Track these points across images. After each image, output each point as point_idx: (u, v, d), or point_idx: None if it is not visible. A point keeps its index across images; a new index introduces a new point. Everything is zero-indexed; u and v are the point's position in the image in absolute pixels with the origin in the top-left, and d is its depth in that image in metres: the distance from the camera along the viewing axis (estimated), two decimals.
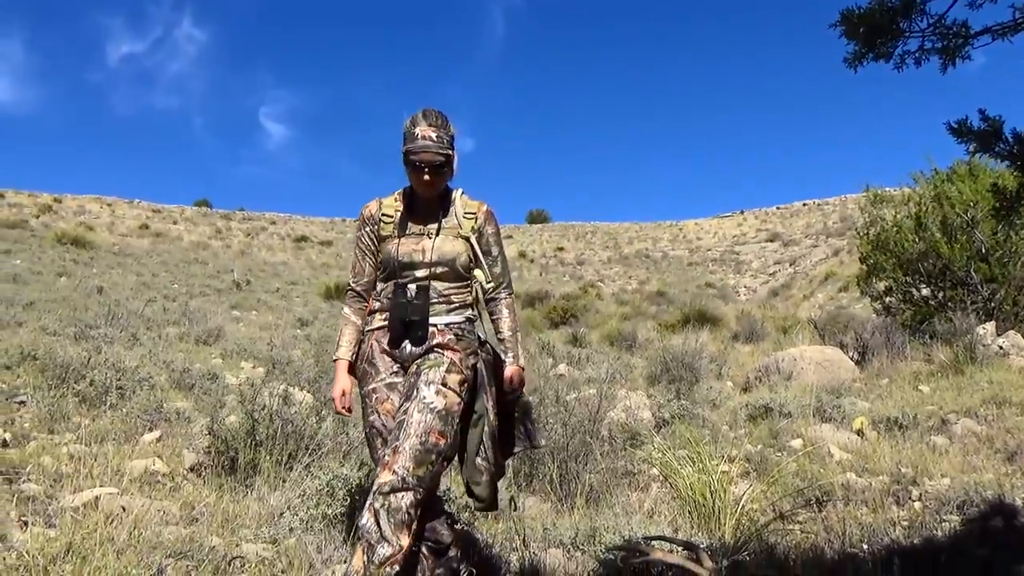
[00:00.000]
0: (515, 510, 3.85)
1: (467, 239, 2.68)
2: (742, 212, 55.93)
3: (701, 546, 2.08)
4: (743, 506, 4.43)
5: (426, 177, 2.58)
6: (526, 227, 58.96)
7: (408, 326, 2.60)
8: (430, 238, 2.64)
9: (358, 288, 2.74)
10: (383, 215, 2.68)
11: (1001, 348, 8.42)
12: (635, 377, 9.37)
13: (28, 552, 2.45)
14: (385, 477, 2.33)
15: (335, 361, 2.74)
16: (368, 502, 2.33)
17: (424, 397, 2.46)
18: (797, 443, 6.08)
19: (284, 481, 3.88)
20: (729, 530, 3.95)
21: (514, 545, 3.42)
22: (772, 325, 16.08)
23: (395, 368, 2.62)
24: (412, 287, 2.63)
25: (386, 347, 2.63)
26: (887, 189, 15.03)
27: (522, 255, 45.31)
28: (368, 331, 2.69)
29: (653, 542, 2.14)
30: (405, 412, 2.45)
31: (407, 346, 2.61)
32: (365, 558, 2.29)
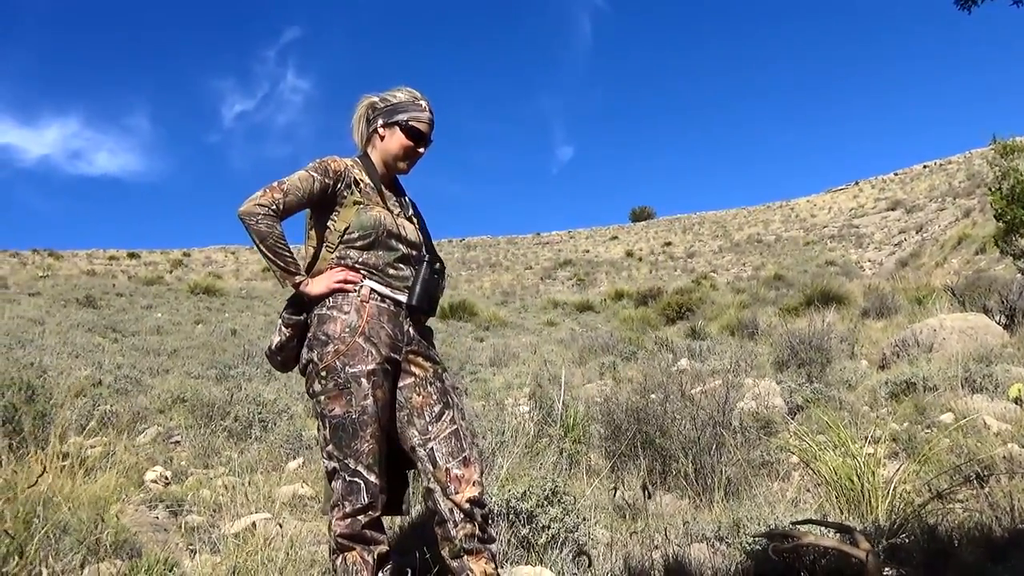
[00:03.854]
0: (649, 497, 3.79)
1: (424, 230, 2.60)
2: (857, 183, 53.21)
3: (857, 528, 1.97)
4: (895, 488, 4.19)
5: (420, 150, 2.51)
6: (630, 226, 58.31)
7: (433, 304, 2.45)
8: (402, 217, 2.52)
9: (280, 214, 2.33)
10: (356, 179, 2.44)
11: None
12: (761, 364, 9.06)
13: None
14: (473, 491, 2.31)
15: (299, 285, 2.38)
16: (457, 519, 2.29)
17: (457, 404, 2.42)
18: (947, 418, 5.69)
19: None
20: (883, 513, 3.74)
21: (656, 543, 3.36)
22: (904, 297, 15.13)
23: (390, 353, 2.36)
24: (432, 263, 2.47)
25: (385, 325, 2.36)
26: (1018, 138, 13.91)
27: (629, 254, 44.80)
28: (359, 302, 2.35)
29: (802, 527, 2.04)
30: (451, 420, 2.38)
31: (409, 328, 2.42)
32: (491, 565, 2.29)
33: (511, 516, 3.06)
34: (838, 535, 2.02)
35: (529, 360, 12.90)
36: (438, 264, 2.50)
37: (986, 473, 4.39)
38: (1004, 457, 4.55)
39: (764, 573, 3.05)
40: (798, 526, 2.06)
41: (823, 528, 2.22)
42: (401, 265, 2.44)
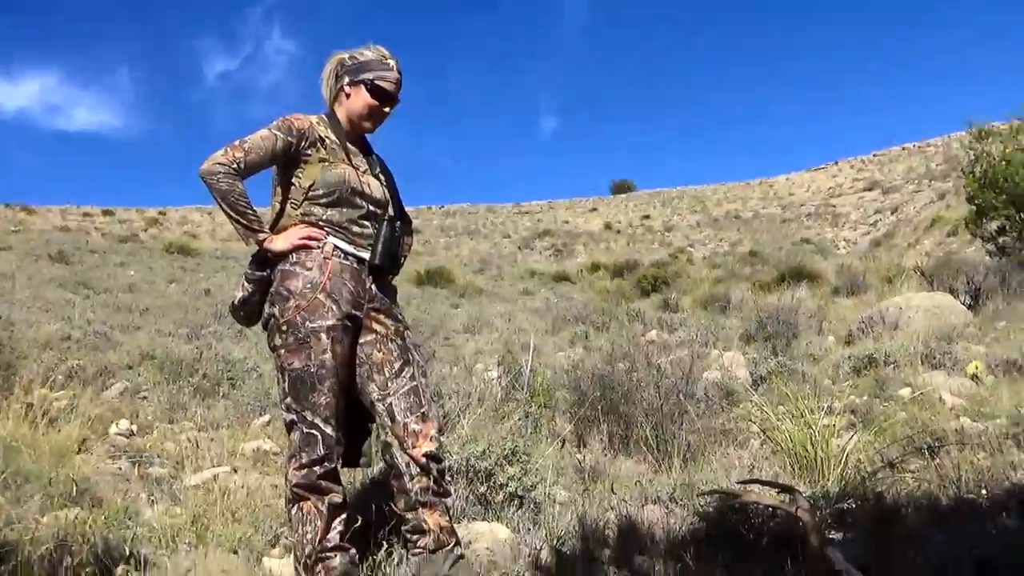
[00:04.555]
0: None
1: (392, 188, 2.60)
2: (836, 163, 53.55)
3: (800, 490, 2.04)
4: (848, 456, 4.31)
5: (386, 109, 2.49)
6: (610, 199, 58.36)
7: (395, 263, 2.48)
8: (368, 175, 2.51)
9: (242, 172, 2.32)
10: (321, 136, 2.43)
11: None
12: (729, 337, 9.18)
13: (158, 525, 2.66)
14: (430, 446, 2.34)
15: (262, 242, 2.39)
16: (413, 472, 2.32)
17: (418, 361, 2.45)
18: (905, 392, 5.84)
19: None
20: (833, 480, 3.85)
21: (611, 504, 3.44)
22: (875, 276, 15.37)
23: (352, 309, 2.36)
24: (393, 222, 2.47)
25: (347, 282, 2.38)
26: (994, 123, 14.04)
27: (608, 227, 44.89)
28: (322, 258, 2.36)
29: (747, 485, 2.11)
30: (411, 377, 2.39)
31: (371, 286, 2.43)
32: (445, 518, 2.35)
33: (470, 474, 3.11)
34: (781, 495, 2.09)
35: (503, 328, 12.96)
36: (400, 223, 2.52)
37: (937, 445, 4.52)
38: (956, 430, 4.69)
39: (715, 534, 3.14)
40: (743, 485, 2.12)
41: (768, 487, 2.29)
42: (365, 222, 2.46)
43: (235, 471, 3.56)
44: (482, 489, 3.08)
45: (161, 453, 3.89)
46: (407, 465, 2.32)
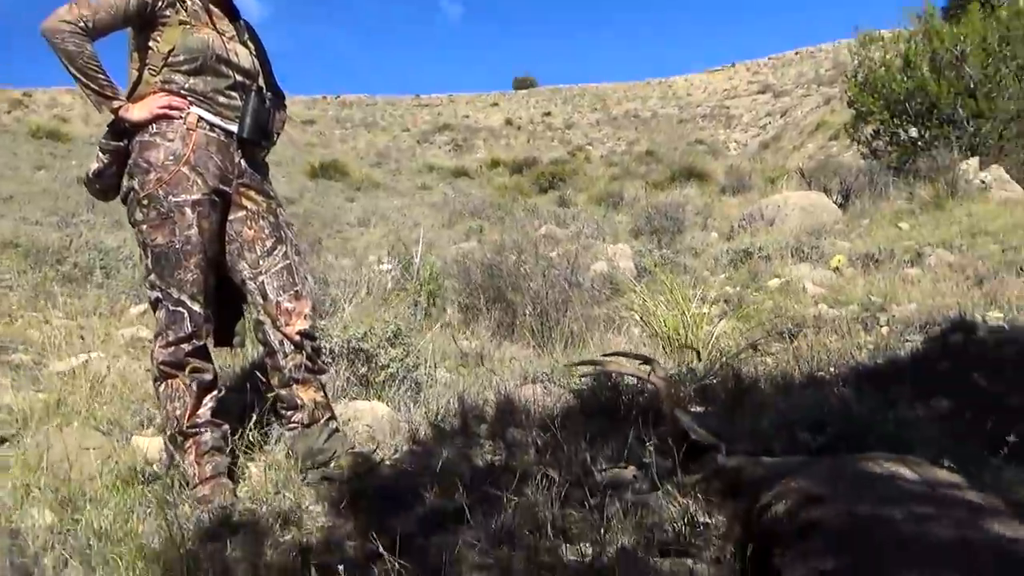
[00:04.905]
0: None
1: (262, 58, 2.49)
2: (733, 65, 54.32)
3: (658, 361, 2.17)
4: (717, 340, 4.60)
5: None
6: (512, 94, 57.44)
7: (266, 136, 2.38)
8: (235, 42, 2.38)
9: (90, 32, 2.14)
10: None
11: (983, 182, 8.43)
12: (619, 232, 9.44)
13: (18, 408, 2.56)
14: (304, 324, 2.34)
15: (118, 110, 2.22)
16: (287, 350, 2.32)
17: (291, 239, 2.41)
18: (774, 283, 6.22)
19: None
20: (702, 361, 4.12)
21: (492, 383, 3.57)
22: (760, 177, 16.01)
23: (219, 184, 2.27)
24: (262, 93, 2.36)
25: (214, 155, 2.27)
26: (880, 31, 14.49)
27: (508, 122, 44.41)
28: (185, 130, 2.23)
29: (611, 357, 2.23)
30: (284, 255, 2.35)
31: (240, 161, 2.34)
32: (320, 394, 2.38)
33: (351, 355, 3.14)
34: (642, 365, 2.22)
35: (398, 222, 12.83)
36: (271, 94, 2.41)
37: (796, 329, 4.88)
38: (814, 316, 5.06)
39: (588, 408, 3.32)
40: (607, 357, 2.25)
41: (629, 358, 2.42)
42: (232, 93, 2.33)
43: (108, 358, 3.46)
44: (363, 370, 3.12)
45: (25, 341, 3.72)
46: (280, 343, 2.31)
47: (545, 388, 3.66)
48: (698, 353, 4.20)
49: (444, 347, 4.49)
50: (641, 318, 5.08)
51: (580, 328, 5.03)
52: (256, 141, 2.34)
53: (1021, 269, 5.02)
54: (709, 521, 1.81)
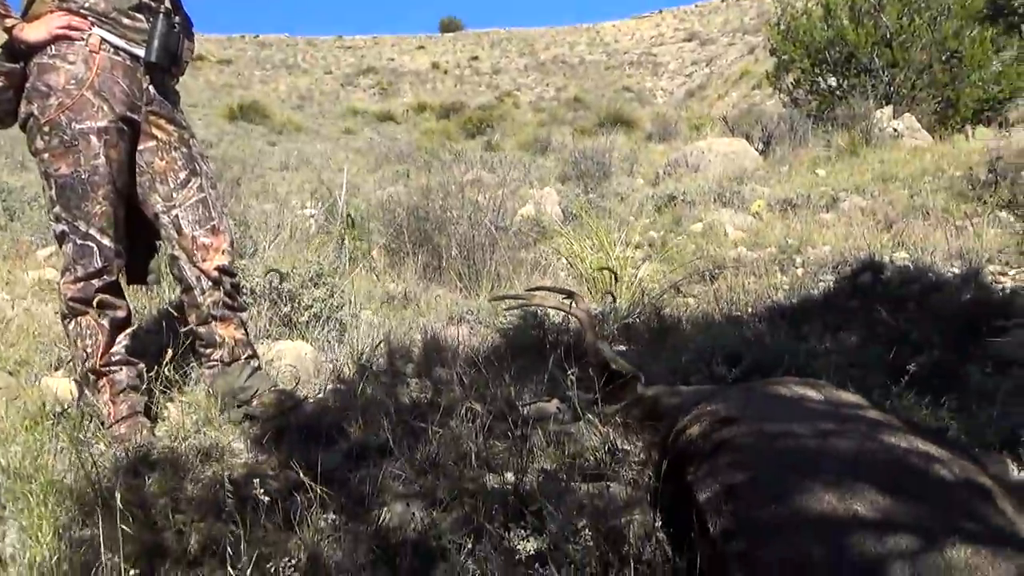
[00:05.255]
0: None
1: None
2: (660, 12, 54.34)
3: (579, 294, 2.20)
4: (640, 282, 4.69)
5: None
6: (438, 37, 56.14)
7: (175, 61, 2.24)
8: None
9: None
10: None
11: (896, 131, 8.75)
12: (547, 177, 9.45)
13: None
14: (222, 260, 2.27)
15: (11, 29, 2.09)
16: (204, 286, 2.25)
17: (207, 172, 2.31)
18: (698, 227, 6.36)
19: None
20: (625, 302, 4.20)
21: (418, 323, 3.56)
22: (686, 124, 16.21)
23: (127, 111, 2.16)
24: (170, 15, 2.21)
25: (120, 80, 2.15)
26: None
27: (435, 66, 43.50)
28: (87, 52, 2.10)
29: (534, 291, 2.25)
30: (199, 188, 2.26)
31: (149, 87, 2.21)
32: (240, 331, 2.33)
33: (273, 296, 3.08)
34: (564, 299, 2.25)
35: (322, 166, 12.52)
36: (179, 17, 2.27)
37: (717, 271, 5.03)
38: (734, 259, 5.21)
39: (515, 347, 3.36)
40: (530, 291, 2.26)
41: (552, 292, 2.45)
42: (137, 14, 2.19)
43: (13, 299, 3.29)
44: (286, 310, 3.07)
45: None
46: (198, 279, 2.24)
47: (471, 328, 3.68)
48: (613, 296, 4.28)
49: (369, 289, 4.44)
50: (567, 261, 5.14)
51: (507, 271, 5.05)
52: (165, 66, 2.21)
53: (926, 213, 5.26)
54: (628, 448, 1.87)
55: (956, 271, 3.98)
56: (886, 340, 3.33)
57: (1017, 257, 3.82)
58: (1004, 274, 3.84)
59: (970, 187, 5.52)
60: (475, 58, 46.15)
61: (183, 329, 2.34)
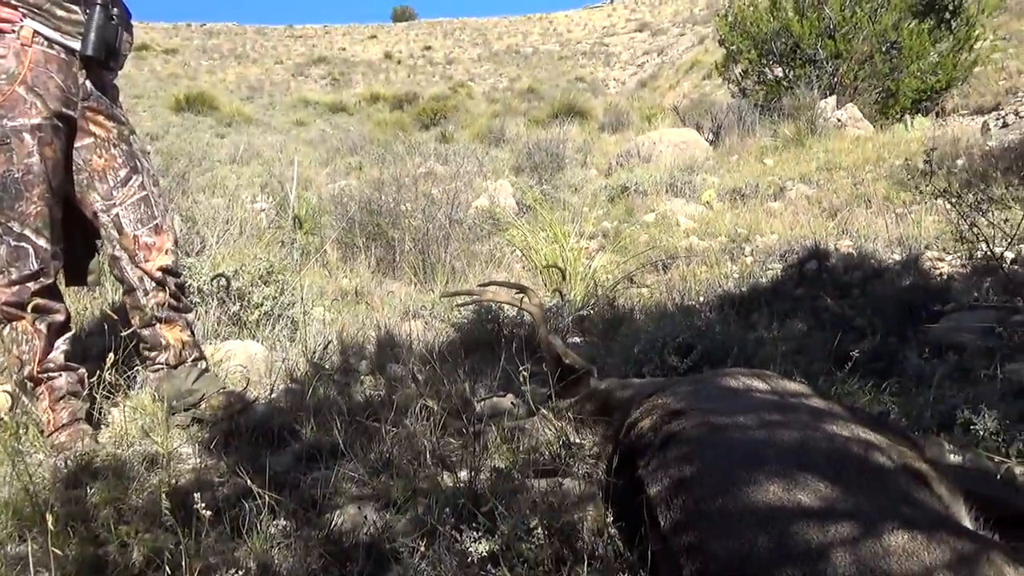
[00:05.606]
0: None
1: None
2: (612, 2, 54.64)
3: (532, 288, 2.21)
4: (595, 273, 4.73)
5: None
6: (391, 26, 55.59)
7: (113, 55, 2.17)
8: None
9: None
10: None
11: (839, 120, 8.95)
12: (501, 169, 9.44)
13: None
14: (165, 260, 2.22)
15: None
16: (148, 287, 2.20)
17: (148, 169, 2.26)
18: (650, 217, 6.42)
19: None
20: (579, 293, 4.23)
21: (372, 320, 3.53)
22: (638, 115, 16.33)
23: (62, 108, 2.09)
24: (108, 6, 2.14)
25: (54, 75, 2.08)
26: None
27: (388, 56, 43.07)
28: (19, 45, 2.03)
29: (486, 286, 2.25)
30: (140, 186, 2.20)
31: (85, 82, 2.14)
32: (186, 333, 2.28)
33: (221, 294, 3.02)
34: (517, 294, 2.25)
35: (273, 159, 12.31)
36: (117, 8, 2.20)
37: (670, 261, 5.09)
38: (686, 248, 5.28)
39: (470, 342, 3.36)
40: (482, 286, 2.26)
41: (505, 287, 2.45)
42: (73, 6, 2.11)
43: None
44: (235, 309, 3.01)
45: None
46: (140, 280, 2.18)
47: (426, 323, 3.67)
48: (562, 294, 4.31)
49: (322, 285, 4.40)
50: (522, 253, 5.15)
51: (462, 264, 5.04)
52: (102, 60, 2.14)
53: (868, 201, 5.40)
54: (583, 442, 1.88)
55: (897, 258, 4.10)
56: (831, 327, 3.42)
57: (953, 244, 3.94)
58: (941, 260, 3.96)
59: (909, 176, 5.68)
60: (428, 48, 45.82)
61: (126, 332, 2.28)
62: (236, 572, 1.06)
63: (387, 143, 13.12)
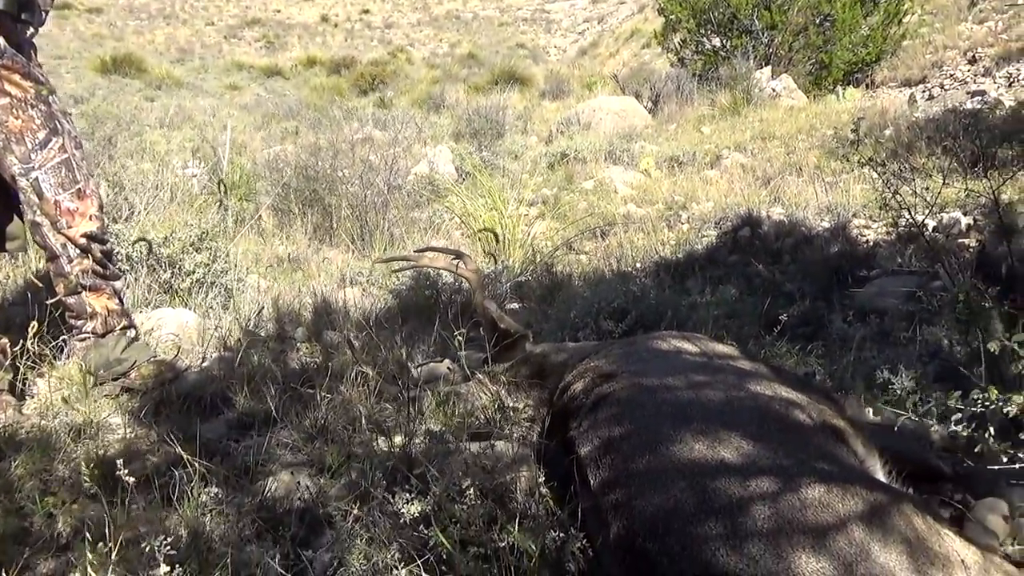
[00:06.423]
0: None
1: None
2: None
3: (468, 254, 2.21)
4: (534, 240, 4.75)
5: None
6: None
7: (28, 8, 2.10)
8: None
9: None
10: None
11: (774, 90, 9.12)
12: (440, 135, 9.34)
13: None
14: (90, 226, 2.13)
15: None
16: (72, 254, 2.11)
17: (69, 131, 2.16)
18: (589, 184, 6.46)
19: None
20: (518, 260, 4.25)
21: (308, 287, 3.49)
22: (578, 83, 16.32)
23: None
24: None
25: None
26: None
27: (324, 19, 41.90)
28: None
29: (423, 252, 2.24)
30: (61, 148, 2.10)
31: (0, 40, 2.03)
32: (114, 301, 2.20)
33: (151, 261, 2.93)
34: (453, 259, 2.25)
35: (206, 123, 11.93)
36: None
37: (608, 228, 5.14)
38: (624, 215, 5.34)
39: (408, 308, 3.35)
40: (419, 252, 2.25)
41: (441, 252, 2.44)
42: None
43: None
44: (166, 276, 2.93)
45: None
46: (64, 246, 2.10)
47: (364, 290, 3.64)
48: (495, 257, 4.32)
49: (257, 252, 4.31)
50: (461, 220, 5.13)
51: (400, 231, 5.00)
52: (14, 14, 2.03)
53: (800, 170, 5.54)
54: (517, 405, 1.90)
55: (826, 225, 4.22)
56: (762, 292, 3.52)
57: (879, 211, 4.09)
58: (868, 227, 4.11)
59: (839, 145, 5.84)
60: (366, 11, 44.71)
61: (51, 300, 2.20)
62: (165, 539, 1.04)
63: (324, 108, 12.86)
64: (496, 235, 3.90)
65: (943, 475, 1.63)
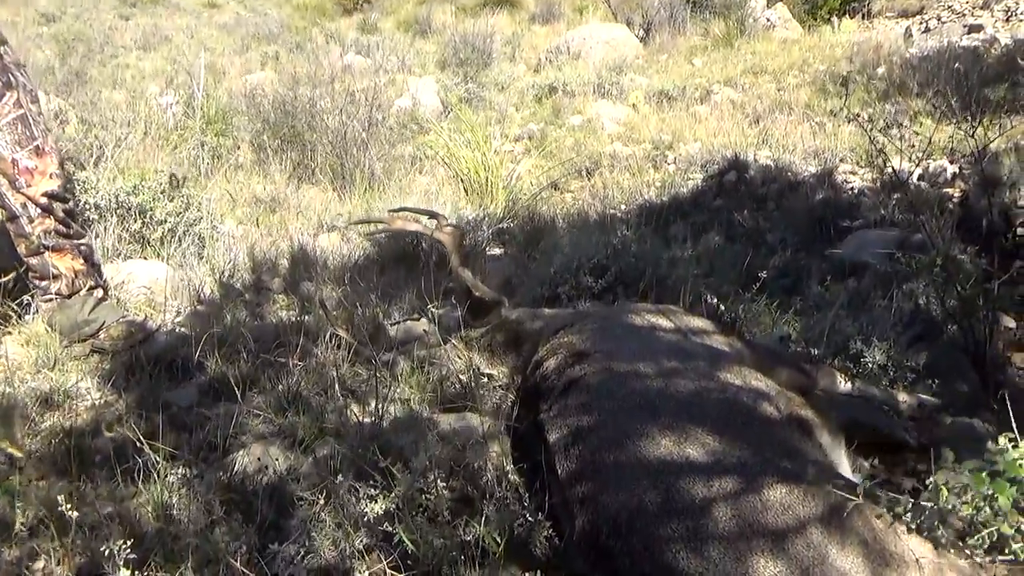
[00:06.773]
0: None
1: None
2: None
3: (443, 215, 2.16)
4: (519, 180, 4.68)
5: None
6: None
7: None
8: None
9: None
10: None
11: (769, 20, 8.87)
12: (426, 63, 9.09)
13: None
14: (51, 184, 2.05)
15: None
16: (32, 214, 2.05)
17: (25, 85, 2.06)
18: (577, 120, 6.32)
19: None
20: (501, 203, 4.18)
21: (286, 233, 3.43)
22: (569, 6, 15.82)
23: None
24: None
25: None
26: None
27: None
28: None
29: (396, 213, 2.19)
30: (16, 103, 2.01)
31: None
32: (79, 260, 2.15)
33: (120, 211, 2.86)
34: (429, 219, 2.20)
35: (183, 45, 11.54)
36: None
37: (594, 167, 5.06)
38: (610, 155, 5.25)
39: (388, 259, 3.30)
40: (392, 213, 2.20)
41: (416, 213, 2.40)
42: None
43: None
44: (136, 226, 2.87)
45: None
46: (23, 206, 2.03)
47: (343, 237, 3.58)
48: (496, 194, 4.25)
49: (234, 192, 4.22)
50: (443, 159, 5.02)
51: (383, 169, 4.90)
52: None
53: (791, 108, 5.44)
54: (492, 372, 1.90)
55: (813, 170, 4.17)
56: (745, 241, 3.50)
57: (866, 157, 4.04)
58: (855, 173, 4.06)
59: (831, 83, 5.72)
60: None
61: (14, 261, 2.15)
62: (125, 542, 1.04)
63: (305, 30, 12.46)
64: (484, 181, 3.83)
65: (908, 446, 1.65)
